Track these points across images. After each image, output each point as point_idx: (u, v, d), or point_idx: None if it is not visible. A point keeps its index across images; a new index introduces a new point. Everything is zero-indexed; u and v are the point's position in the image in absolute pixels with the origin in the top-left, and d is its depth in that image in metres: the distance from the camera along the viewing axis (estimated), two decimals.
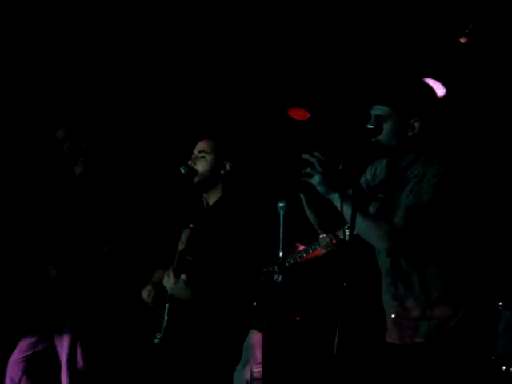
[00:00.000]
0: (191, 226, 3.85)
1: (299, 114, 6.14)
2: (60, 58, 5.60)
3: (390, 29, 5.18)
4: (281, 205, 3.12)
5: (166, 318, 3.72)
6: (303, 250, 4.85)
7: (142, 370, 4.67)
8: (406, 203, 3.01)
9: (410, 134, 3.08)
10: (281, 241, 3.12)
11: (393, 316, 3.17)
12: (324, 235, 4.85)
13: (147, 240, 5.23)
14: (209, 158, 3.85)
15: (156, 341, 3.71)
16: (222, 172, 3.86)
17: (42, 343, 4.62)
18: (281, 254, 3.16)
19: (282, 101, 6.05)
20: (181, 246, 3.81)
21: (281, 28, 5.31)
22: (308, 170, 2.98)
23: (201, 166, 3.84)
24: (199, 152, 3.87)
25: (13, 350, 4.68)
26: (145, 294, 3.90)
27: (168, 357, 3.75)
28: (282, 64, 5.70)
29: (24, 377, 4.58)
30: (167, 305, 3.74)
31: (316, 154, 3.00)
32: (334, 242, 4.82)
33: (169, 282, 3.70)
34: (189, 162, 3.85)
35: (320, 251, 4.83)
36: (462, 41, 5.03)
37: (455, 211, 3.01)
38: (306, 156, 3.00)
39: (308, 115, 6.09)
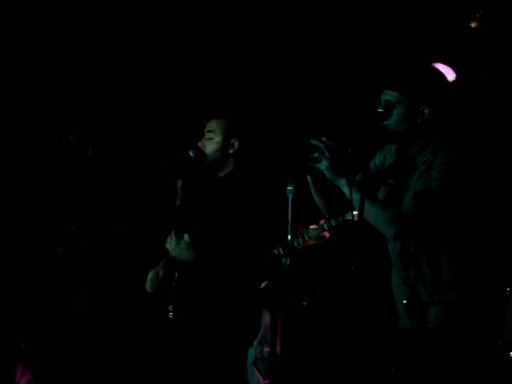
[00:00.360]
0: (179, 182, 3.88)
1: None
2: (60, 50, 5.61)
3: (401, 14, 5.17)
4: (289, 188, 3.11)
5: (174, 288, 3.73)
6: (299, 236, 4.86)
7: (155, 347, 4.70)
8: (415, 189, 3.01)
9: (419, 120, 3.08)
10: (289, 224, 3.12)
11: (404, 302, 3.17)
12: (314, 226, 4.85)
13: (158, 221, 5.24)
14: (216, 138, 3.84)
15: (170, 315, 3.71)
16: (231, 151, 3.85)
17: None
18: (289, 237, 3.15)
19: (291, 82, 6.04)
20: (177, 202, 3.83)
21: (289, 11, 5.30)
22: (316, 154, 2.98)
23: (209, 148, 3.84)
24: (207, 132, 3.87)
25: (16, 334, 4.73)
26: (150, 276, 3.91)
27: (181, 331, 3.76)
28: (292, 45, 5.69)
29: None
30: (176, 274, 3.75)
31: (324, 138, 2.99)
32: (324, 233, 4.81)
33: (171, 243, 3.70)
34: (199, 144, 3.85)
35: (310, 242, 4.84)
36: (473, 25, 5.01)
37: (464, 197, 3.00)
38: (313, 141, 2.99)
39: None
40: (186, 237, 3.64)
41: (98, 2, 5.32)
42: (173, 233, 3.69)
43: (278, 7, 5.34)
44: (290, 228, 3.17)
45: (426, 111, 3.07)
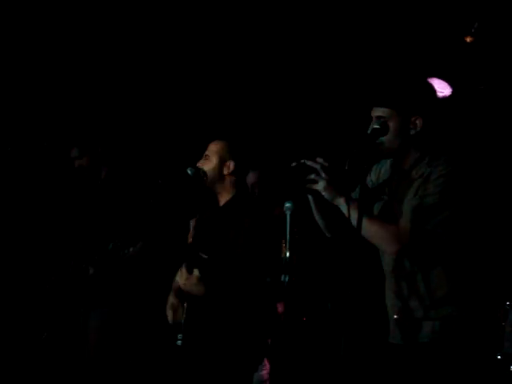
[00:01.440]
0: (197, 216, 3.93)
1: None
2: (66, 63, 5.62)
3: (393, 28, 5.18)
4: (287, 205, 3.12)
5: (184, 317, 3.76)
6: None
7: (164, 370, 4.69)
8: (412, 205, 2.98)
9: (412, 132, 3.05)
10: (287, 241, 3.12)
11: (395, 316, 3.16)
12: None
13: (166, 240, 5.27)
14: (212, 158, 3.95)
15: (178, 342, 3.74)
16: (226, 172, 3.92)
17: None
18: (287, 254, 3.16)
19: (286, 102, 6.06)
20: (189, 239, 3.86)
21: (283, 30, 5.32)
22: (312, 176, 2.98)
23: (206, 167, 3.94)
24: (205, 155, 3.97)
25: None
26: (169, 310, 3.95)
27: (190, 357, 3.78)
28: (284, 66, 5.71)
29: None
30: (185, 304, 3.78)
31: (319, 160, 2.99)
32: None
33: (182, 277, 3.74)
34: (197, 164, 3.92)
35: None
36: (468, 40, 5.03)
37: (461, 211, 2.98)
38: (309, 162, 2.98)
39: None
40: (196, 271, 3.67)
41: (105, 18, 5.33)
42: (183, 267, 3.73)
43: (273, 26, 5.36)
44: (287, 245, 3.18)
45: (418, 122, 3.04)
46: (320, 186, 2.97)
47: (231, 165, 3.95)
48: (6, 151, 4.91)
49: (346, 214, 2.94)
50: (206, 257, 3.75)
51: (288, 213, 3.14)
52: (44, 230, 5.99)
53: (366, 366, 5.21)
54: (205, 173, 3.91)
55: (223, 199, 3.96)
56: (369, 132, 3.06)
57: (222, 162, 3.96)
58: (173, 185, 4.01)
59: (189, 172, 3.89)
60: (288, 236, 3.20)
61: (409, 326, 3.08)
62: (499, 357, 4.65)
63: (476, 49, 5.13)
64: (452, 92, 5.22)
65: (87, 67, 5.69)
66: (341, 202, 2.97)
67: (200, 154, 4.04)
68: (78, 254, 4.65)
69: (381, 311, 3.28)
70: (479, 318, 3.01)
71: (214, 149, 3.97)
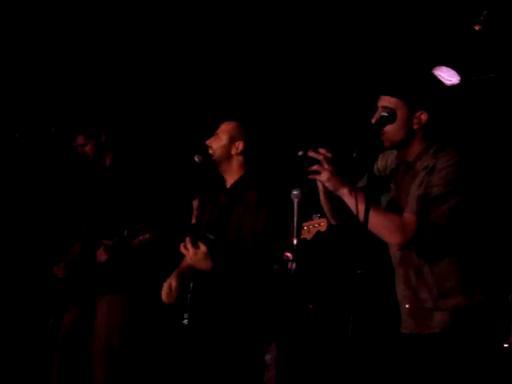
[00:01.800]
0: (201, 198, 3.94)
1: None
2: (72, 53, 5.62)
3: (400, 17, 5.16)
4: (295, 192, 3.12)
5: (190, 296, 3.76)
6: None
7: (172, 353, 4.69)
8: (417, 196, 2.99)
9: (416, 126, 3.08)
10: (295, 228, 3.12)
11: (407, 306, 3.17)
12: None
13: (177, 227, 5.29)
14: (222, 137, 3.94)
15: (184, 321, 3.74)
16: (234, 152, 3.91)
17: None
18: (295, 241, 3.16)
19: (293, 89, 6.05)
20: (193, 220, 3.87)
21: (288, 21, 5.31)
22: (315, 167, 2.97)
23: (214, 145, 3.94)
24: (216, 132, 3.97)
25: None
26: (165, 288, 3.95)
27: (196, 337, 3.79)
28: (291, 56, 5.71)
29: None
30: (191, 284, 3.78)
31: (322, 150, 2.99)
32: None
33: (188, 252, 3.73)
34: (207, 141, 3.93)
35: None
36: (477, 28, 5.00)
37: (466, 202, 2.99)
38: (312, 153, 2.98)
39: None
40: (203, 246, 3.67)
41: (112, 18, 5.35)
42: (188, 241, 3.72)
43: (280, 20, 5.36)
44: (295, 232, 3.17)
45: (423, 116, 3.07)
46: (323, 176, 2.97)
47: (240, 145, 3.93)
48: (13, 138, 4.91)
49: (350, 205, 2.96)
50: (212, 237, 3.75)
51: (295, 200, 3.14)
52: (50, 217, 6.02)
53: (378, 356, 5.21)
54: (210, 158, 3.91)
55: (230, 180, 3.95)
56: (375, 120, 3.06)
57: (231, 141, 3.94)
58: (180, 172, 4.01)
59: (196, 159, 3.90)
60: (295, 223, 3.20)
61: (420, 316, 3.10)
62: (506, 345, 4.65)
63: (485, 37, 5.10)
64: (460, 80, 5.19)
65: (93, 56, 5.68)
66: (344, 193, 2.97)
67: (202, 138, 4.03)
68: (87, 240, 4.66)
69: (391, 302, 3.29)
70: (487, 308, 3.03)
71: (224, 128, 3.98)
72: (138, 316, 4.77)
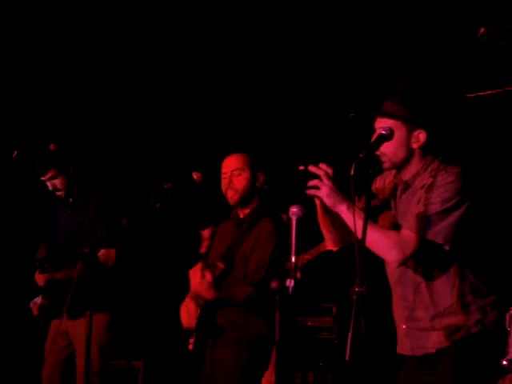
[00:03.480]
0: (215, 229, 3.93)
1: None
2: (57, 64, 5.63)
3: (403, 31, 5.17)
4: (294, 210, 3.11)
5: (196, 323, 3.77)
6: None
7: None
8: (415, 213, 2.99)
9: (414, 145, 3.09)
10: (293, 246, 3.11)
11: (404, 327, 3.16)
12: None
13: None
14: (245, 173, 3.92)
15: (190, 346, 3.75)
16: (258, 184, 3.90)
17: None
18: (293, 259, 3.15)
19: (290, 109, 6.06)
20: (203, 249, 3.87)
21: (284, 34, 5.32)
22: (315, 182, 2.97)
23: (239, 183, 3.91)
24: (233, 170, 3.90)
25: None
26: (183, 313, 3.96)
27: (202, 363, 3.79)
28: (286, 75, 5.72)
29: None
30: (198, 309, 3.79)
31: (323, 166, 2.99)
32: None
33: (194, 280, 3.74)
34: (223, 185, 3.90)
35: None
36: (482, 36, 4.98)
37: (464, 220, 2.99)
38: (312, 168, 2.98)
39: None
40: (208, 276, 3.68)
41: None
42: (196, 269, 3.73)
43: (280, 33, 5.37)
44: (293, 250, 3.16)
45: (421, 136, 3.08)
46: (322, 192, 2.96)
47: (261, 176, 3.94)
48: (12, 155, 4.93)
49: (347, 222, 2.95)
50: (222, 266, 3.76)
51: (294, 218, 3.12)
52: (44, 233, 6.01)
53: (374, 374, 5.19)
54: (238, 203, 3.89)
55: (245, 210, 3.95)
56: (373, 139, 3.06)
57: (253, 175, 3.93)
58: (178, 189, 4.01)
59: (194, 177, 3.89)
60: (294, 241, 3.18)
61: (416, 337, 3.10)
62: (505, 363, 4.62)
63: (488, 52, 5.10)
64: (453, 100, 5.21)
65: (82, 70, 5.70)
66: (342, 210, 2.97)
67: (202, 158, 4.02)
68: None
69: (389, 322, 3.28)
70: (484, 328, 3.02)
71: (243, 163, 3.94)
72: (118, 335, 4.79)
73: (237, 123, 6.16)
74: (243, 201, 3.92)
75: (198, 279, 3.72)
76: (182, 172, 4.04)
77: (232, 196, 3.93)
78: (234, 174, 3.91)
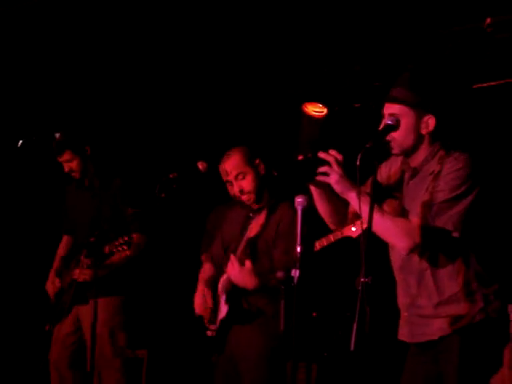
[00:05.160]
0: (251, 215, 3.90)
1: (315, 110, 6.12)
2: (59, 59, 5.62)
3: (410, 22, 5.15)
4: (299, 200, 3.11)
5: (221, 308, 3.77)
6: None
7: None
8: (423, 201, 3.00)
9: (424, 131, 3.07)
10: (299, 236, 3.12)
11: (406, 314, 3.16)
12: None
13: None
14: (248, 173, 3.90)
15: (209, 332, 3.75)
16: (262, 172, 3.89)
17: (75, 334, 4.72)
18: (298, 249, 3.15)
19: (297, 97, 6.05)
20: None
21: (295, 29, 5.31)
22: (325, 168, 2.97)
23: (248, 185, 3.90)
24: (237, 176, 3.89)
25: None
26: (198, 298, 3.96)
27: (221, 347, 3.79)
28: (295, 61, 5.70)
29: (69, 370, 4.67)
30: (224, 296, 3.78)
31: (333, 152, 2.99)
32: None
33: (232, 269, 3.73)
34: (230, 191, 3.90)
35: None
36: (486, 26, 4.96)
37: (472, 208, 2.99)
38: (322, 155, 2.98)
39: (325, 111, 6.07)
40: (249, 263, 3.68)
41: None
42: (234, 259, 3.72)
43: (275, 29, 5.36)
44: (299, 239, 3.17)
45: (430, 121, 3.07)
46: (332, 178, 2.96)
47: (261, 164, 3.93)
48: (17, 144, 4.93)
49: (357, 209, 2.94)
50: (248, 253, 3.76)
51: (299, 208, 3.13)
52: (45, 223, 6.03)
53: (378, 362, 5.20)
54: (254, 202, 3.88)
55: (260, 203, 3.94)
56: (381, 128, 3.06)
57: (257, 172, 3.92)
58: (183, 179, 4.00)
59: (199, 167, 3.89)
60: (299, 231, 3.19)
61: (418, 324, 3.10)
62: None
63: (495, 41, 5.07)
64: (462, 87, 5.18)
65: (85, 64, 5.69)
66: (352, 196, 2.97)
67: (207, 148, 4.01)
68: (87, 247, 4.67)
69: (394, 312, 3.28)
70: (487, 316, 3.02)
71: (241, 165, 3.90)
72: (129, 319, 4.79)
73: (240, 113, 6.14)
74: (259, 196, 3.91)
75: (237, 268, 3.70)
76: (187, 162, 4.03)
77: (249, 199, 3.92)
78: (238, 178, 3.89)
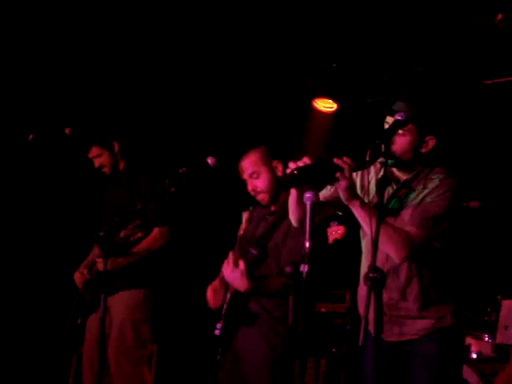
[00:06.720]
0: (250, 208, 3.97)
1: (325, 106, 6.12)
2: (79, 59, 5.65)
3: (413, 25, 5.15)
4: (308, 195, 3.11)
5: (225, 307, 3.77)
6: None
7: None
8: (416, 212, 3.12)
9: (423, 150, 3.17)
10: (308, 231, 3.12)
11: (389, 314, 3.23)
12: None
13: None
14: (262, 173, 3.92)
15: (216, 331, 3.76)
16: (280, 174, 3.93)
17: None
18: (307, 244, 3.15)
19: (306, 95, 6.06)
20: (240, 232, 3.89)
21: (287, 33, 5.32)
22: (338, 175, 2.99)
23: (261, 185, 3.93)
24: (251, 174, 3.93)
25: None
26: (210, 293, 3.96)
27: (229, 349, 3.79)
28: (302, 59, 5.71)
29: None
30: (228, 295, 3.79)
31: (347, 159, 3.02)
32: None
33: (227, 268, 3.74)
34: (250, 190, 3.91)
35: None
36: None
37: (453, 222, 3.15)
38: (337, 161, 3.00)
39: (335, 106, 6.07)
40: (242, 265, 3.68)
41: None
42: (230, 258, 3.73)
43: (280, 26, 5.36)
44: (308, 235, 3.16)
45: (430, 142, 3.16)
46: (342, 185, 3.00)
47: (279, 166, 3.93)
48: (28, 139, 4.94)
49: (359, 218, 3.05)
50: (255, 253, 3.76)
51: (308, 203, 3.13)
52: (64, 219, 6.05)
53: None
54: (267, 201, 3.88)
55: (275, 203, 3.95)
56: (390, 125, 3.07)
57: (271, 170, 3.93)
58: (193, 174, 4.01)
59: (209, 162, 3.89)
60: (308, 227, 3.19)
61: (401, 324, 3.22)
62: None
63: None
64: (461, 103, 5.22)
65: (103, 60, 5.70)
66: (356, 205, 3.04)
67: (216, 143, 4.01)
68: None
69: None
70: (457, 318, 3.21)
71: (256, 164, 3.92)
72: (152, 312, 4.80)
73: (251, 110, 6.15)
74: (274, 196, 3.92)
75: (231, 267, 3.71)
76: (196, 157, 4.03)
77: (262, 199, 3.96)
78: (252, 177, 3.93)
